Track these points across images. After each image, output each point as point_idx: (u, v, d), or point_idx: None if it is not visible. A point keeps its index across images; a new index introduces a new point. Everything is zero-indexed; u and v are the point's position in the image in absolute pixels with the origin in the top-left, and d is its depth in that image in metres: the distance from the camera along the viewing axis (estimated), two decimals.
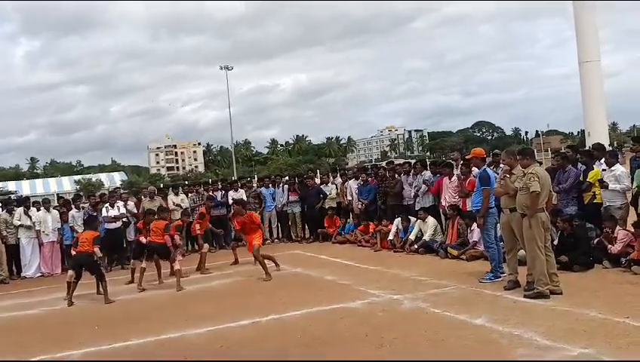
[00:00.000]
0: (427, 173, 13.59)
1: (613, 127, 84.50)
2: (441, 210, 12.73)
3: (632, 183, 9.94)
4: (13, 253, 14.10)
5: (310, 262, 12.44)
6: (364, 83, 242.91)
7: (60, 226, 14.37)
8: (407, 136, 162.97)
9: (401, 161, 18.95)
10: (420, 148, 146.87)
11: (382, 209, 14.60)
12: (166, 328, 7.69)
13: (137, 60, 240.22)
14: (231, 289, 10.38)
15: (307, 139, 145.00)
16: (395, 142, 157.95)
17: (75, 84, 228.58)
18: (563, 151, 12.53)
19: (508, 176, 8.25)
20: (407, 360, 5.78)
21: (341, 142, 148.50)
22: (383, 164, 19.04)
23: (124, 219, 14.54)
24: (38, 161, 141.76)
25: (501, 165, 9.36)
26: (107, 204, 14.51)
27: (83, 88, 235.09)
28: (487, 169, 9.38)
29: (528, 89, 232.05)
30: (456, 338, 6.31)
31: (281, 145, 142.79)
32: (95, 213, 13.93)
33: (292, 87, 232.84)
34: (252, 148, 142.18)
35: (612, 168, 9.91)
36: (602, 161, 10.24)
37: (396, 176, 14.57)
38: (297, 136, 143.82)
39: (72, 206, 14.77)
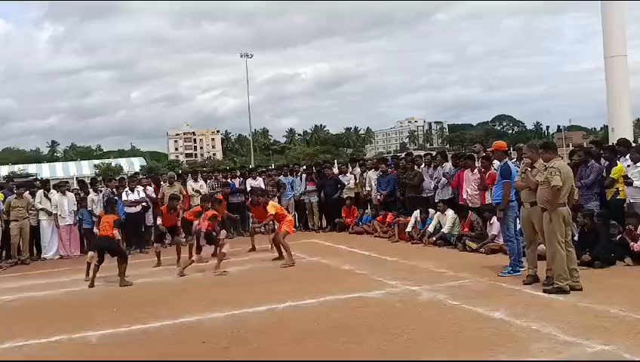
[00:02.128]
0: (448, 166, 13.50)
1: (637, 123, 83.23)
2: (460, 203, 12.63)
3: None
4: (34, 234, 14.27)
5: (327, 251, 12.44)
6: (385, 74, 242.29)
7: (75, 209, 14.49)
8: (426, 128, 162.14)
9: (422, 152, 18.87)
10: (440, 141, 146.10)
11: (400, 200, 14.56)
12: (183, 313, 7.73)
13: (159, 47, 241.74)
14: (248, 276, 10.42)
15: (325, 129, 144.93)
16: (415, 133, 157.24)
17: (96, 70, 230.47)
18: (583, 146, 12.39)
19: (529, 169, 8.16)
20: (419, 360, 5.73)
21: (360, 133, 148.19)
22: (402, 155, 18.95)
23: (143, 204, 14.63)
24: (58, 144, 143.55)
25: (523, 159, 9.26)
26: (127, 189, 14.61)
27: (105, 73, 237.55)
28: (509, 162, 9.28)
29: (551, 84, 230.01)
30: (474, 330, 6.28)
31: (299, 135, 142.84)
32: (116, 197, 14.04)
33: (312, 77, 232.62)
34: (270, 137, 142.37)
35: (637, 164, 9.77)
36: (627, 157, 10.09)
37: (416, 167, 14.49)
38: (315, 125, 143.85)
39: (90, 189, 14.87)
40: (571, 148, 15.37)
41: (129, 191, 14.48)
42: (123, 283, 10.08)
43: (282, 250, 11.27)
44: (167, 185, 15.12)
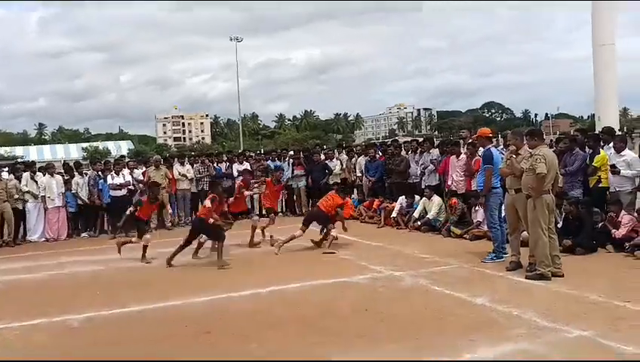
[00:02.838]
0: (435, 152, 13.54)
1: (624, 113, 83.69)
2: (446, 189, 12.67)
3: None
4: (20, 217, 14.17)
5: (313, 236, 12.43)
6: (377, 60, 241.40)
7: (63, 191, 14.40)
8: (415, 114, 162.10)
9: (409, 138, 18.90)
10: (428, 127, 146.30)
11: (388, 186, 14.59)
12: (167, 297, 7.72)
13: (150, 30, 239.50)
14: (233, 261, 10.37)
15: (315, 114, 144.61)
16: (404, 120, 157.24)
17: (86, 52, 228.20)
18: (569, 134, 12.44)
19: (514, 156, 8.18)
20: None
21: (349, 119, 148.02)
22: (389, 142, 19.00)
23: (130, 187, 14.55)
24: (46, 127, 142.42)
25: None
26: (112, 172, 14.52)
27: (94, 56, 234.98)
28: (492, 148, 9.30)
29: (541, 72, 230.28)
30: (455, 316, 6.32)
31: (289, 120, 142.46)
32: (101, 180, 13.95)
33: (304, 62, 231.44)
34: (259, 122, 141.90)
35: (622, 153, 9.84)
36: (610, 145, 10.16)
37: (403, 153, 14.52)
38: (305, 111, 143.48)
39: (76, 173, 14.77)
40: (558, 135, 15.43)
41: (114, 175, 14.39)
42: (221, 263, 9.67)
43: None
44: (153, 168, 15.03)
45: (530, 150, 7.93)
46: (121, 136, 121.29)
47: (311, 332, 6.03)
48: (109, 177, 14.38)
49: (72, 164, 15.77)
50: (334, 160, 16.57)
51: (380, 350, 5.37)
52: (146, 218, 11.27)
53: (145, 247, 10.62)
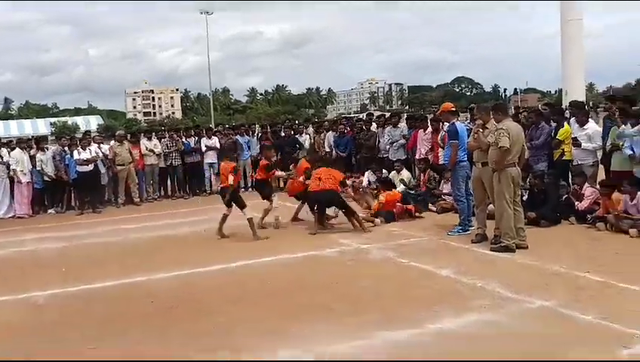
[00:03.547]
0: (402, 126, 13.63)
1: (590, 88, 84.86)
2: (416, 163, 12.76)
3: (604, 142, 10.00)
4: None
5: (283, 210, 12.42)
6: (350, 34, 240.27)
7: (31, 167, 14.12)
8: (387, 89, 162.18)
9: (380, 113, 18.95)
10: (400, 102, 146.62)
11: (357, 161, 14.63)
12: (133, 272, 7.68)
13: (118, 3, 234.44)
14: (201, 236, 10.35)
15: (287, 89, 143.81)
16: (375, 95, 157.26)
17: (54, 25, 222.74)
18: (527, 107, 12.61)
19: (481, 130, 8.25)
20: None
21: (321, 94, 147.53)
22: (362, 116, 19.02)
23: (97, 162, 14.31)
24: (12, 102, 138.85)
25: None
26: (79, 147, 14.25)
27: (62, 29, 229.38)
28: (457, 123, 9.35)
29: (510, 47, 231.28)
30: (421, 288, 6.41)
31: (261, 95, 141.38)
32: (68, 155, 13.70)
33: (276, 36, 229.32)
34: (231, 96, 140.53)
35: (585, 127, 9.99)
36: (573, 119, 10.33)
37: (372, 128, 14.56)
38: (277, 85, 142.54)
39: (36, 149, 14.37)
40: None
41: (81, 150, 14.12)
42: (255, 237, 9.51)
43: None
44: (117, 143, 14.79)
45: (496, 124, 8.01)
46: (90, 110, 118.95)
47: (279, 305, 6.06)
48: (75, 152, 14.10)
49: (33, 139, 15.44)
50: (304, 135, 16.52)
51: (345, 322, 5.41)
52: None
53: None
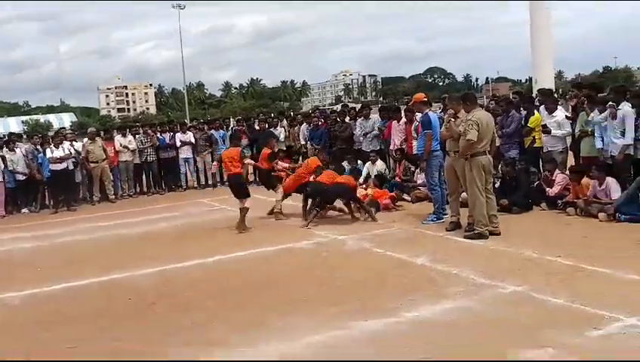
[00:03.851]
0: (375, 117, 13.73)
1: (559, 76, 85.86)
2: (392, 153, 12.84)
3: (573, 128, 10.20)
4: None
5: (259, 204, 12.43)
6: (323, 26, 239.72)
7: (3, 167, 13.93)
8: (361, 81, 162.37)
9: (349, 105, 19.04)
10: (374, 94, 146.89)
11: (333, 153, 14.66)
12: (110, 270, 7.66)
13: None
14: (178, 231, 10.33)
15: (262, 82, 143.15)
16: (350, 86, 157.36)
17: (23, 21, 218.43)
18: (497, 96, 12.76)
19: (453, 120, 8.36)
20: None
21: (296, 86, 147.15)
22: (336, 108, 19.07)
23: (71, 160, 14.16)
24: None
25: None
26: (52, 145, 14.09)
27: (32, 25, 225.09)
28: (429, 113, 9.45)
29: (482, 36, 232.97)
30: (396, 276, 6.49)
31: (236, 88, 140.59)
32: (40, 153, 13.52)
33: (250, 29, 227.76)
34: (205, 91, 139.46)
35: (554, 114, 10.17)
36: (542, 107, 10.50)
37: (347, 119, 14.62)
38: (252, 79, 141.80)
39: (5, 149, 14.09)
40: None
41: (54, 148, 13.96)
42: (241, 228, 9.54)
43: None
44: (89, 141, 14.64)
45: (466, 114, 8.12)
46: (63, 108, 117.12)
47: (256, 299, 6.10)
48: (48, 150, 13.95)
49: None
50: (279, 127, 16.52)
51: (322, 313, 5.47)
52: None
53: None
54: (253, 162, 11.40)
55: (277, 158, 11.01)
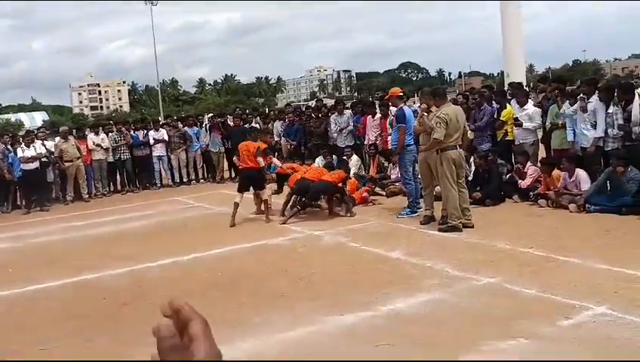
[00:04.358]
0: (349, 112, 13.77)
1: (530, 69, 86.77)
2: (365, 149, 12.89)
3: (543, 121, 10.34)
4: None
5: (229, 199, 12.43)
6: (297, 21, 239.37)
7: None
8: (335, 76, 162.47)
9: (322, 100, 19.06)
10: (349, 89, 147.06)
11: (308, 149, 14.68)
12: (84, 270, 7.58)
13: None
14: (152, 230, 10.26)
15: (236, 78, 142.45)
16: (324, 82, 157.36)
17: None
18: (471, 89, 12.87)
19: (425, 114, 8.44)
20: None
21: (271, 82, 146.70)
22: (311, 103, 19.06)
23: (43, 159, 13.95)
24: None
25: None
26: (22, 144, 13.86)
27: (1, 22, 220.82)
28: (404, 107, 9.51)
29: (454, 31, 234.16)
30: (372, 271, 6.54)
31: (210, 85, 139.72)
32: (11, 153, 13.29)
33: (223, 25, 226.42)
34: (179, 88, 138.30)
35: (524, 107, 10.29)
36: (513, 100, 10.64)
37: (320, 115, 14.64)
38: (226, 75, 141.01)
39: None
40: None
41: (24, 147, 13.73)
42: (269, 220, 9.68)
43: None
44: (62, 140, 14.44)
45: (437, 108, 8.20)
46: (35, 106, 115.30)
47: (231, 296, 6.10)
48: (19, 150, 13.72)
49: None
50: (253, 124, 16.46)
51: (299, 309, 5.49)
52: None
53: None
54: (278, 163, 11.30)
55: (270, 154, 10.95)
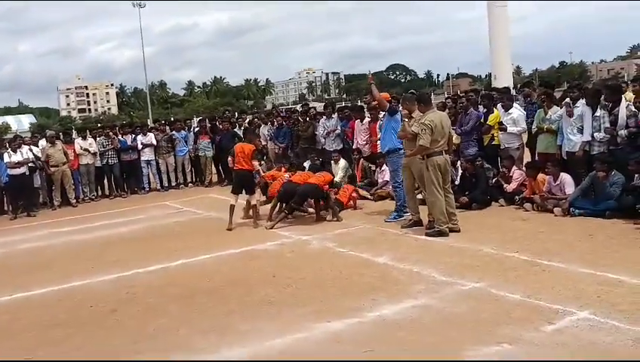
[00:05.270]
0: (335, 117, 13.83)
1: (517, 71, 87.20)
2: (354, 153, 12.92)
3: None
4: None
5: (223, 205, 12.37)
6: (286, 24, 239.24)
7: None
8: (324, 78, 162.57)
9: (309, 104, 19.04)
10: (337, 91, 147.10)
11: (296, 152, 14.70)
12: (71, 276, 7.58)
13: None
14: (141, 235, 10.25)
15: (225, 80, 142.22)
16: (313, 84, 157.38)
17: None
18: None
19: (407, 120, 8.51)
20: None
21: (260, 85, 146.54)
22: (298, 107, 19.09)
23: (30, 164, 13.87)
24: None
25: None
26: (9, 149, 13.77)
27: None
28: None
29: (442, 32, 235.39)
30: (359, 276, 6.58)
31: (199, 87, 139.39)
32: None
33: (212, 27, 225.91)
34: (168, 90, 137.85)
35: (509, 111, 10.37)
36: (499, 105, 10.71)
37: (308, 119, 14.66)
38: (215, 77, 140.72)
39: None
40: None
41: (11, 152, 13.66)
42: (257, 224, 9.74)
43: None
44: (49, 144, 14.38)
45: (421, 114, 8.25)
46: (22, 109, 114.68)
47: (220, 302, 6.11)
48: (5, 155, 13.65)
49: None
50: (242, 127, 16.46)
51: (286, 315, 5.52)
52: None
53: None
54: (264, 169, 11.37)
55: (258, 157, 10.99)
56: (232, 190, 10.08)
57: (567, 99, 9.40)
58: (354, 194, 10.79)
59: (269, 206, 10.39)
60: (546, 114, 9.69)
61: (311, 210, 10.18)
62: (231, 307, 5.91)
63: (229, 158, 10.59)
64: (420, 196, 8.87)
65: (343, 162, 12.65)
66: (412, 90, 18.11)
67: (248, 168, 9.88)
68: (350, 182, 11.34)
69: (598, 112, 8.81)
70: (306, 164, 13.21)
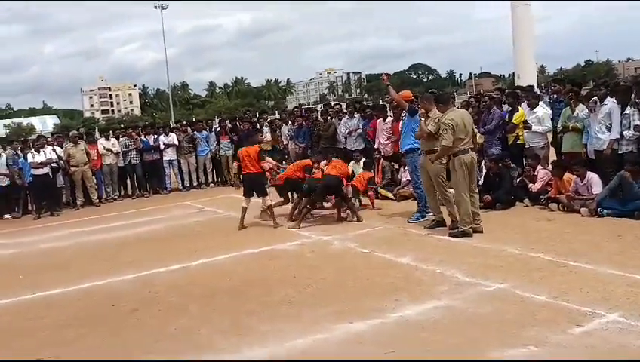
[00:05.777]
0: (358, 116, 13.74)
1: (541, 70, 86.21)
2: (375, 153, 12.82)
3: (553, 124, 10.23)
4: None
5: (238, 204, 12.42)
6: (307, 24, 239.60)
7: None
8: (345, 78, 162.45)
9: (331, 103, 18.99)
10: (358, 91, 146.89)
11: (317, 152, 14.64)
12: (93, 275, 7.60)
13: None
14: (161, 235, 10.27)
15: (246, 81, 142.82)
16: (334, 84, 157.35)
17: (6, 23, 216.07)
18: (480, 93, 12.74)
19: (423, 119, 8.41)
20: None
21: (280, 85, 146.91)
22: (319, 107, 19.03)
23: (53, 165, 14.01)
24: None
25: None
26: (33, 150, 13.92)
27: (14, 28, 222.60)
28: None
29: (464, 32, 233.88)
30: (381, 277, 6.48)
31: (220, 88, 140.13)
32: (21, 158, 13.35)
33: (234, 28, 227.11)
34: (190, 91, 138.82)
35: (534, 110, 10.19)
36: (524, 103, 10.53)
37: (329, 118, 14.59)
38: (236, 78, 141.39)
39: None
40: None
41: (34, 153, 13.80)
42: (276, 224, 9.72)
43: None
44: (71, 144, 14.49)
45: (442, 114, 8.14)
46: (46, 110, 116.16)
47: (240, 302, 6.06)
48: (29, 155, 13.79)
49: None
50: (264, 127, 16.46)
51: (307, 316, 5.45)
52: None
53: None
54: (273, 162, 11.07)
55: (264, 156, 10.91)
56: (244, 193, 10.05)
57: (595, 98, 9.18)
58: (370, 193, 10.65)
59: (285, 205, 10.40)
60: (573, 112, 9.50)
61: (328, 205, 10.06)
62: (251, 307, 5.86)
63: (235, 164, 10.58)
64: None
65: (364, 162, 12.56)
66: (432, 90, 17.98)
67: (256, 171, 9.84)
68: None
69: (628, 110, 8.61)
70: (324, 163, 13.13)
